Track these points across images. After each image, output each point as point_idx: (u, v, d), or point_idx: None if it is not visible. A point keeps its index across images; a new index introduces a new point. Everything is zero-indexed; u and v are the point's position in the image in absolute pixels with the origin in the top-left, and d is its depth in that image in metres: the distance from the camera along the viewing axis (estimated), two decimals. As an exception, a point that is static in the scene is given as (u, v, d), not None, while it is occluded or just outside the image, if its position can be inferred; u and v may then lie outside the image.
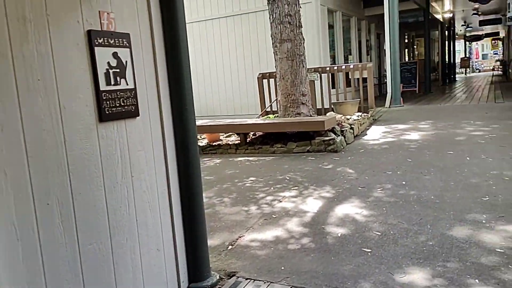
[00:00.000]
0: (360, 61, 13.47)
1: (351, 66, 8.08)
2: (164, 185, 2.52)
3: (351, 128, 6.67)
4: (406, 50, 21.40)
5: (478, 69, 37.69)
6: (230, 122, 6.84)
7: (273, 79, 8.19)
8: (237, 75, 10.96)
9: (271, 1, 6.62)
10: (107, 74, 2.10)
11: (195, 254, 2.66)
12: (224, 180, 5.16)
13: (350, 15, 12.34)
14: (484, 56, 41.95)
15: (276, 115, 7.32)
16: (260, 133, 6.93)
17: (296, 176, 5.06)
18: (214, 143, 7.08)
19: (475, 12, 17.68)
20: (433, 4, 15.30)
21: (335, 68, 8.24)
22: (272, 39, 6.87)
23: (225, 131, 7.08)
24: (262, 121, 6.69)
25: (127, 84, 2.22)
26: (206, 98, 11.48)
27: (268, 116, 7.73)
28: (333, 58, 11.53)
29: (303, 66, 6.83)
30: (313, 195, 4.33)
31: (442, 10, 17.24)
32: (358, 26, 13.16)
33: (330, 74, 8.35)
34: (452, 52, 21.42)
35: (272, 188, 4.64)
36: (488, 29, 26.81)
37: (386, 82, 10.13)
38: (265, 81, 8.76)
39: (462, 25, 23.37)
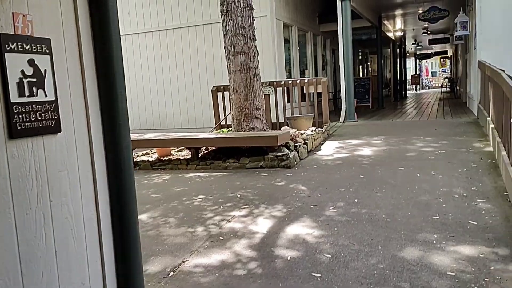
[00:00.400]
0: (316, 76, 13.58)
1: (306, 81, 8.05)
2: (92, 210, 2.23)
3: (305, 143, 6.58)
4: (361, 66, 21.97)
5: (428, 86, 39.38)
6: (181, 136, 6.57)
7: (227, 92, 8.01)
8: (192, 87, 10.71)
9: (224, 13, 6.47)
10: (20, 84, 1.83)
11: (127, 286, 2.39)
12: (171, 198, 4.88)
13: (306, 30, 12.45)
14: (434, 74, 43.94)
15: (230, 129, 7.13)
16: (213, 148, 6.71)
17: (247, 194, 4.87)
18: (164, 158, 6.78)
19: (424, 31, 18.42)
20: (385, 22, 15.78)
21: (290, 82, 8.19)
22: (225, 51, 6.71)
23: (176, 146, 6.80)
24: (214, 136, 6.47)
25: (46, 96, 1.95)
26: (159, 110, 11.13)
27: (221, 130, 7.53)
28: (289, 73, 11.54)
29: (257, 80, 6.70)
30: (263, 214, 4.14)
31: (394, 29, 17.84)
32: (314, 41, 13.31)
33: (285, 88, 8.28)
34: (403, 69, 22.19)
35: (221, 207, 4.42)
36: (437, 47, 28.09)
37: (341, 97, 10.23)
38: (219, 94, 8.57)
39: (413, 44, 24.34)
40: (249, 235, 3.63)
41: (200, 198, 4.80)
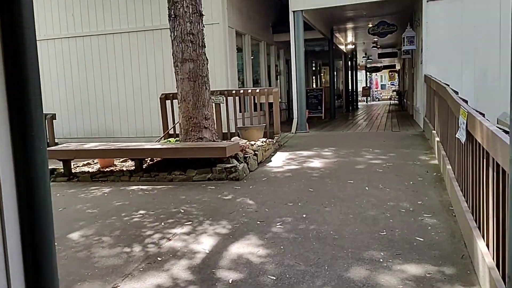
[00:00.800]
0: (270, 85, 13.55)
1: (258, 91, 7.92)
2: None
3: (255, 154, 6.42)
4: (314, 77, 22.29)
5: (377, 98, 40.74)
6: (124, 146, 6.19)
7: (177, 100, 7.71)
8: (140, 94, 10.29)
9: (172, 18, 6.21)
10: None
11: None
12: (109, 214, 4.52)
13: (260, 40, 12.39)
14: (383, 86, 45.54)
15: (178, 139, 6.84)
16: (159, 159, 6.38)
17: (191, 209, 4.60)
18: (106, 169, 6.37)
19: (374, 45, 18.98)
20: (337, 35, 16.08)
21: (242, 91, 8.03)
22: (173, 58, 6.44)
23: (118, 156, 6.41)
24: (159, 146, 6.15)
25: None
26: (105, 118, 10.60)
27: (169, 140, 7.22)
28: (242, 82, 11.40)
29: (206, 88, 6.48)
30: (207, 232, 3.90)
31: (345, 42, 18.24)
32: (268, 51, 13.28)
33: (236, 97, 8.10)
34: (354, 81, 22.76)
35: (162, 224, 4.13)
36: (386, 61, 29.12)
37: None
38: (168, 102, 8.25)
39: (363, 57, 25.07)
40: (190, 255, 3.38)
41: (140, 214, 4.48)
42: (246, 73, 11.33)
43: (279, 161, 6.79)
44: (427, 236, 3.54)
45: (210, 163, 5.93)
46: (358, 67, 28.42)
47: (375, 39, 17.71)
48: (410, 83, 14.80)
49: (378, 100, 39.11)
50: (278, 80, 14.83)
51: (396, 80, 39.10)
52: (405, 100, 19.25)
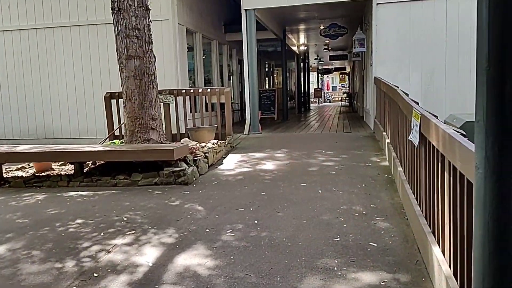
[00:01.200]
0: (222, 86, 13.30)
1: (208, 90, 7.65)
2: None
3: (206, 157, 6.15)
4: (267, 78, 22.27)
5: (329, 99, 41.54)
6: (62, 149, 5.71)
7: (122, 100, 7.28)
8: (84, 93, 9.70)
9: (115, 11, 5.82)
10: None
11: None
12: (41, 224, 4.10)
13: (211, 39, 12.11)
14: (334, 88, 46.58)
15: (123, 140, 6.43)
16: (101, 162, 5.96)
17: (135, 217, 4.28)
18: (42, 174, 5.86)
19: (326, 47, 19.22)
20: (290, 36, 16.11)
21: (192, 91, 7.73)
22: (117, 54, 6.04)
23: (55, 160, 5.92)
24: (101, 148, 5.74)
25: None
26: (44, 118, 9.89)
27: (113, 141, 6.78)
28: (194, 82, 11.08)
29: (153, 87, 6.13)
30: (151, 242, 3.61)
31: (298, 43, 18.34)
32: (220, 50, 13.02)
33: (186, 97, 7.79)
34: (307, 82, 22.98)
35: (102, 234, 3.78)
36: (337, 63, 29.74)
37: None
38: (114, 101, 7.79)
39: (315, 59, 25.40)
40: (131, 269, 3.07)
41: (77, 223, 4.09)
42: (198, 72, 11.01)
43: (231, 163, 6.57)
44: (381, 241, 3.46)
45: (157, 166, 5.60)
46: (310, 68, 28.80)
47: (327, 41, 17.94)
48: (360, 85, 15.09)
49: (329, 102, 39.90)
50: (231, 81, 14.61)
51: (346, 82, 40.12)
52: (355, 102, 19.66)
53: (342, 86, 43.59)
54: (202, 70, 11.26)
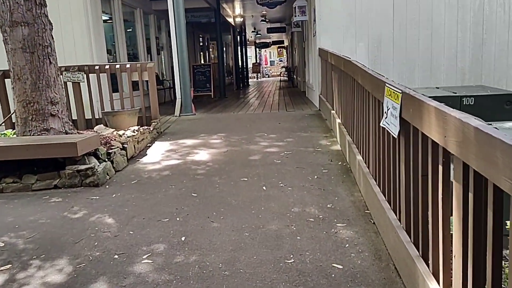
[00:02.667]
0: (151, 61, 11.92)
1: (128, 66, 6.41)
2: None
3: (124, 148, 5.01)
4: (202, 53, 20.91)
5: (267, 74, 40.82)
6: None
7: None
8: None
9: (-12, -39, 4.40)
10: None
11: None
12: None
13: (134, 7, 10.64)
14: (272, 63, 45.86)
15: (15, 131, 5.09)
16: (-16, 161, 4.61)
17: (17, 240, 3.13)
18: None
19: (263, 18, 18.22)
20: (224, 5, 14.89)
21: (107, 67, 6.44)
22: (-2, 20, 4.64)
23: None
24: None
25: None
26: None
27: (4, 133, 5.39)
28: (115, 57, 9.65)
29: (50, 62, 4.84)
30: (30, 283, 2.52)
31: (234, 14, 17.15)
32: (146, 21, 11.57)
33: (102, 75, 6.48)
34: (244, 57, 21.95)
35: (-47, 278, 2.61)
36: (274, 37, 28.87)
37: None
38: (8, 81, 6.29)
39: (253, 31, 24.33)
40: None
41: None
42: (119, 47, 9.59)
43: (157, 154, 5.47)
44: (347, 261, 2.62)
45: (59, 164, 4.39)
46: (248, 42, 27.72)
47: (264, 12, 16.92)
48: (301, 59, 14.32)
49: (268, 77, 39.20)
50: (161, 55, 13.23)
51: (284, 56, 39.49)
52: (295, 77, 18.98)
53: (280, 61, 42.98)
54: (125, 44, 9.84)
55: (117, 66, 6.45)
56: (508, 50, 7.35)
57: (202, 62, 19.54)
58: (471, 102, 3.96)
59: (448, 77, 7.51)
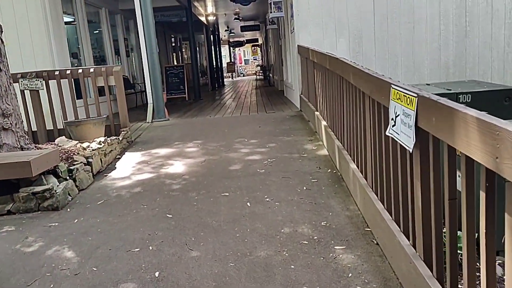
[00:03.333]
0: (120, 64, 11.30)
1: (92, 70, 5.84)
2: None
3: (88, 163, 4.48)
4: (174, 54, 20.29)
5: (242, 73, 40.36)
6: None
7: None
8: None
9: None
10: None
11: None
12: None
13: (99, 6, 10.00)
14: (246, 61, 45.40)
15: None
16: None
17: (-47, 288, 2.59)
18: None
19: (236, 17, 17.75)
20: (196, 4, 14.35)
21: (69, 72, 5.85)
22: None
23: None
24: None
25: None
26: None
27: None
28: (80, 60, 9.01)
29: (0, 70, 4.25)
30: None
31: (206, 12, 16.61)
32: (112, 21, 10.94)
33: (61, 81, 5.89)
34: (218, 56, 21.43)
35: None
36: (248, 35, 28.43)
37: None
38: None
39: (226, 30, 23.82)
40: None
41: None
42: (84, 49, 8.96)
43: (127, 167, 4.95)
44: (353, 296, 2.21)
45: (13, 185, 3.83)
46: (222, 41, 27.20)
47: (237, 10, 16.47)
48: (277, 57, 13.92)
49: (243, 76, 38.75)
50: (131, 57, 12.60)
51: (259, 54, 39.07)
52: (271, 75, 18.59)
53: (255, 59, 42.56)
54: (90, 47, 9.21)
55: (80, 71, 5.88)
56: (492, 42, 7.13)
57: (175, 63, 18.94)
58: (468, 99, 3.62)
59: (432, 72, 7.23)
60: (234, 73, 34.64)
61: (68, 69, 5.93)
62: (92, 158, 4.55)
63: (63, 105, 5.91)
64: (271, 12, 8.75)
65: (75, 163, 4.33)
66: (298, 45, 7.22)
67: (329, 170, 4.25)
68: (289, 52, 9.32)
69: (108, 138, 5.23)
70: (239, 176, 4.29)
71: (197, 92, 12.63)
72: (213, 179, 4.27)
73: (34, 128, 5.97)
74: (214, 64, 19.68)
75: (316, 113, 5.63)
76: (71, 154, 4.60)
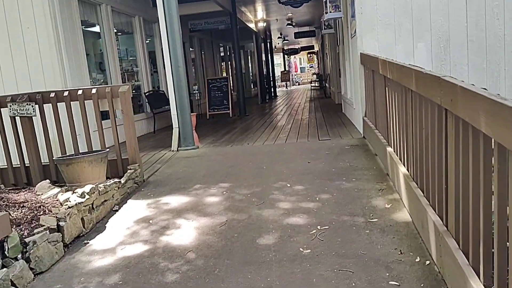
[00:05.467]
0: (158, 80, 10.24)
1: (94, 92, 4.59)
2: None
3: (58, 228, 3.15)
4: (223, 63, 19.19)
5: (297, 82, 38.77)
6: None
7: None
8: None
9: None
10: None
11: None
12: None
13: (132, 14, 8.94)
14: (302, 69, 43.80)
15: None
16: None
17: None
18: None
19: (289, 22, 16.29)
20: (243, 9, 13.05)
21: (66, 94, 4.64)
22: None
23: None
24: None
25: None
26: None
27: None
28: (105, 78, 7.94)
29: None
30: None
31: (255, 18, 15.27)
32: (148, 31, 9.87)
33: (60, 104, 4.70)
34: (270, 65, 20.06)
35: None
36: (303, 42, 26.86)
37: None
38: None
39: (279, 37, 22.43)
40: None
41: None
42: (110, 64, 7.87)
43: (120, 229, 3.56)
44: None
45: None
46: (275, 49, 25.87)
47: (290, 15, 15.01)
48: (334, 66, 12.23)
49: (299, 84, 37.15)
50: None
51: (315, 62, 37.26)
52: (327, 85, 16.86)
53: (311, 67, 40.77)
54: (117, 60, 8.11)
55: (79, 92, 4.64)
56: None
57: (224, 74, 17.79)
58: None
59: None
60: (288, 82, 33.14)
61: (66, 90, 4.72)
62: (66, 221, 3.21)
63: (60, 134, 4.70)
64: (326, 13, 7.15)
65: (36, 230, 3.01)
66: (361, 53, 5.56)
67: (418, 259, 2.58)
68: (348, 61, 7.66)
69: (101, 185, 3.89)
70: (271, 262, 2.73)
71: (242, 107, 11.25)
72: (230, 264, 2.76)
73: (27, 162, 4.84)
74: (265, 73, 18.30)
75: (389, 149, 3.96)
76: (41, 212, 3.31)
